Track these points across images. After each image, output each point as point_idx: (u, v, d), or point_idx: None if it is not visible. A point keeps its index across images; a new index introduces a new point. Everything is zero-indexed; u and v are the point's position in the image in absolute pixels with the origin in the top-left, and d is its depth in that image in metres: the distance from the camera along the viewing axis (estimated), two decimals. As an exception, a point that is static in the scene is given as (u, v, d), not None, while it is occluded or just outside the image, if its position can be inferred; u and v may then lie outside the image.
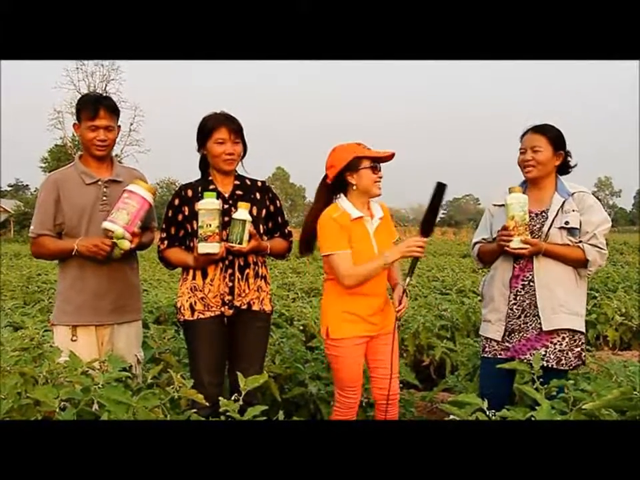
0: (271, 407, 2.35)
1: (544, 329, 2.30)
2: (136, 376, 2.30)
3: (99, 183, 2.41)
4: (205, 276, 2.34)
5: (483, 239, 2.52)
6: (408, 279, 2.31)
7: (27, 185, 59.94)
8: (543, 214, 2.36)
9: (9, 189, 58.74)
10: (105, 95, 2.63)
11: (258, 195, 2.45)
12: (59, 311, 2.43)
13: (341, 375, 2.31)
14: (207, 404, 1.70)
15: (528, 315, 2.35)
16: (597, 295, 5.76)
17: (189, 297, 2.36)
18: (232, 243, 2.22)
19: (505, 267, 2.40)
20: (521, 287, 2.36)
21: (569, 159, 2.41)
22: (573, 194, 2.35)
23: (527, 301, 2.35)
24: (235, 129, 2.36)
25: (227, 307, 2.35)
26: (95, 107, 2.34)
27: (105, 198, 2.40)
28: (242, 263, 2.36)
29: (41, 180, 2.51)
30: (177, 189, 2.49)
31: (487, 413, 1.53)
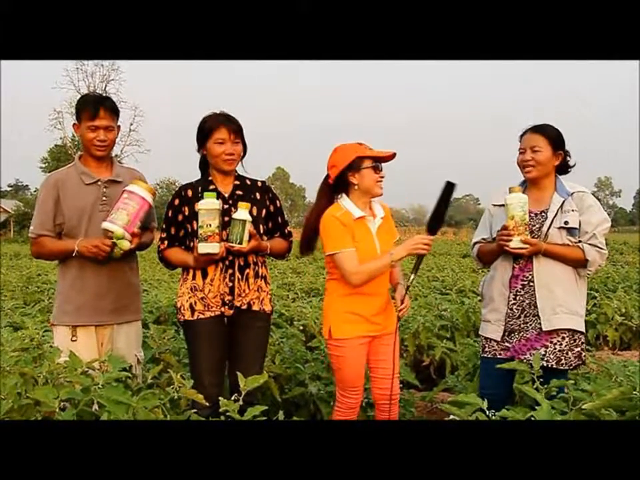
0: (271, 407, 2.35)
1: (544, 329, 2.30)
2: (136, 376, 2.30)
3: (99, 183, 2.41)
4: (205, 276, 2.34)
5: (483, 238, 2.52)
6: (412, 276, 2.31)
7: (27, 185, 60.00)
8: (543, 214, 2.36)
9: (9, 189, 58.78)
10: (104, 95, 2.63)
11: (258, 195, 2.45)
12: (59, 311, 2.43)
13: (342, 376, 2.31)
14: (207, 404, 1.70)
15: (528, 314, 2.35)
16: (596, 294, 5.76)
17: (189, 297, 2.36)
18: (232, 242, 2.22)
19: (504, 267, 2.40)
20: (521, 286, 2.36)
21: (568, 158, 2.41)
22: (572, 194, 2.35)
23: (527, 301, 2.35)
24: (235, 129, 2.36)
25: (227, 307, 2.35)
26: (95, 107, 2.34)
27: (104, 198, 2.40)
28: (242, 263, 2.36)
29: (41, 180, 2.51)
30: (176, 189, 2.49)
31: (487, 413, 1.53)
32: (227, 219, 2.31)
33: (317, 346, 3.57)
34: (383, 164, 2.33)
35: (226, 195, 2.39)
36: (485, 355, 2.46)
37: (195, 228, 2.27)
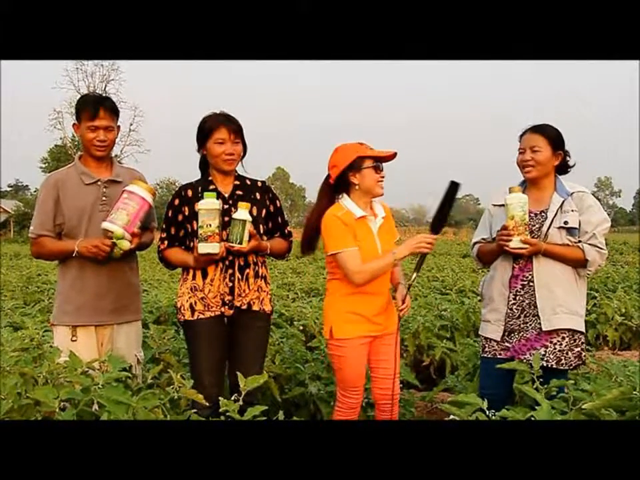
0: (271, 407, 2.36)
1: (544, 329, 2.30)
2: (136, 376, 2.30)
3: (99, 183, 2.41)
4: (205, 276, 2.34)
5: (483, 238, 2.52)
6: (414, 275, 2.33)
7: (27, 186, 60.02)
8: (542, 214, 2.36)
9: (9, 189, 58.80)
10: (104, 95, 2.63)
11: (258, 195, 2.45)
12: (59, 311, 2.43)
13: (343, 376, 2.31)
14: (207, 404, 1.70)
15: (527, 314, 2.35)
16: (596, 294, 5.77)
17: (189, 297, 2.36)
18: (232, 242, 2.22)
19: (504, 267, 2.40)
20: (521, 286, 2.36)
21: (568, 158, 2.41)
22: (572, 194, 2.35)
23: (527, 301, 2.35)
24: (235, 129, 2.36)
25: (227, 307, 2.35)
26: (95, 107, 2.34)
27: (104, 198, 2.40)
28: (242, 263, 2.36)
29: (41, 180, 2.51)
30: (176, 189, 2.49)
31: (487, 412, 1.53)
32: (227, 219, 2.31)
33: (317, 346, 3.57)
34: (383, 164, 2.33)
35: (226, 195, 2.39)
36: (485, 355, 2.46)
37: (195, 228, 2.27)
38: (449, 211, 2.25)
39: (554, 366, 2.28)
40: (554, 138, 2.35)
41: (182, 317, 2.38)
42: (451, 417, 1.71)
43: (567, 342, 2.31)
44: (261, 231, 2.39)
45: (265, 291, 2.43)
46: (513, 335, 2.37)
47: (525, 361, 2.20)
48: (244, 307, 2.36)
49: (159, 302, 5.11)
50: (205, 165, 2.46)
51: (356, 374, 2.30)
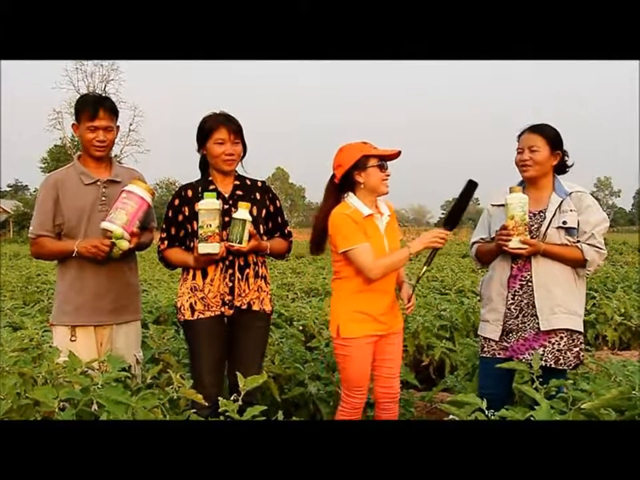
0: (271, 407, 2.35)
1: (542, 329, 2.30)
2: (135, 376, 2.30)
3: (98, 183, 2.41)
4: (205, 276, 2.34)
5: (482, 238, 2.52)
6: (425, 268, 2.39)
7: (27, 186, 60.03)
8: (541, 214, 2.36)
9: (9, 189, 58.80)
10: (104, 95, 2.63)
11: (258, 195, 2.45)
12: (58, 311, 2.43)
13: (349, 375, 2.31)
14: (207, 404, 1.70)
15: (526, 314, 2.35)
16: (596, 294, 5.77)
17: (189, 297, 2.36)
18: (232, 242, 2.22)
19: (503, 267, 2.41)
20: (519, 286, 2.36)
21: (566, 158, 2.41)
22: (570, 194, 2.35)
23: (525, 301, 2.35)
24: (235, 129, 2.36)
25: (227, 306, 2.35)
26: (94, 107, 2.34)
27: (103, 198, 2.40)
28: (242, 263, 2.36)
29: (40, 180, 2.51)
30: (176, 189, 2.49)
31: (486, 412, 1.53)
32: (227, 219, 2.31)
33: (316, 346, 3.57)
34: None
35: (226, 195, 2.39)
36: (484, 355, 2.46)
37: (195, 228, 2.27)
38: (465, 208, 2.31)
39: (552, 365, 2.28)
40: (552, 138, 2.35)
41: (182, 317, 2.38)
42: (451, 416, 1.71)
43: (565, 342, 2.31)
44: (261, 231, 2.39)
45: (265, 291, 2.43)
46: (511, 334, 2.37)
47: (523, 360, 2.20)
48: (244, 307, 2.36)
49: (159, 302, 5.11)
50: (204, 165, 2.46)
51: (361, 373, 2.31)
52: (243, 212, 2.24)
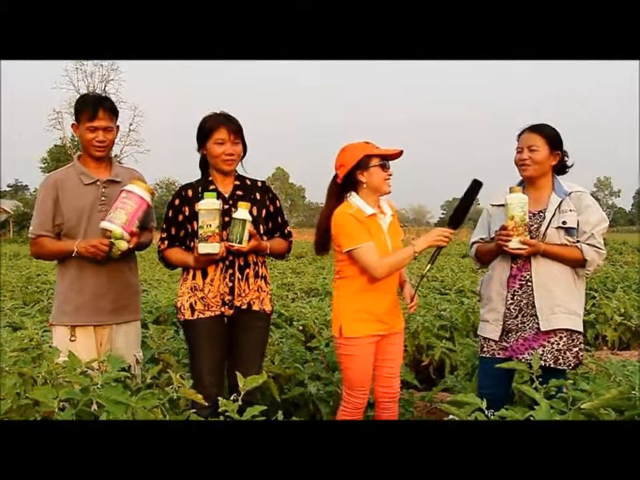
0: (270, 407, 2.35)
1: (542, 329, 2.30)
2: (135, 376, 2.30)
3: (98, 183, 2.41)
4: (205, 276, 2.34)
5: (481, 238, 2.53)
6: (429, 266, 2.42)
7: (27, 186, 60.03)
8: (540, 214, 2.36)
9: (9, 189, 58.79)
10: (104, 95, 2.63)
11: (258, 195, 2.45)
12: (58, 311, 2.43)
13: (351, 375, 2.32)
14: (206, 404, 1.70)
15: (525, 314, 2.35)
16: (595, 294, 5.77)
17: (189, 297, 2.36)
18: (232, 242, 2.22)
19: (502, 267, 2.41)
20: (519, 286, 2.36)
21: (566, 159, 2.41)
22: (570, 193, 2.35)
23: (525, 301, 2.35)
24: (235, 129, 2.36)
25: (227, 306, 2.35)
26: (94, 108, 2.34)
27: (103, 198, 2.40)
28: (242, 263, 2.36)
29: (40, 180, 2.51)
30: (176, 189, 2.49)
31: (486, 412, 1.53)
32: (227, 219, 2.31)
33: (316, 346, 3.57)
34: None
35: (226, 195, 2.39)
36: (484, 355, 2.46)
37: (195, 228, 2.27)
38: (469, 208, 2.32)
39: (551, 365, 2.28)
40: (552, 138, 2.35)
41: (182, 317, 2.38)
42: (450, 416, 1.71)
43: (564, 342, 2.31)
44: (261, 231, 2.39)
45: (265, 291, 2.43)
46: (511, 334, 2.37)
47: (523, 360, 2.20)
48: (244, 307, 2.36)
49: (159, 302, 5.11)
50: (205, 165, 2.46)
51: (363, 373, 2.31)
52: (242, 212, 2.25)
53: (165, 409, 1.58)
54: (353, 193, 2.32)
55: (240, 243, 2.22)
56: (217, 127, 2.33)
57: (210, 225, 2.20)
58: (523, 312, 2.35)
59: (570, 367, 2.34)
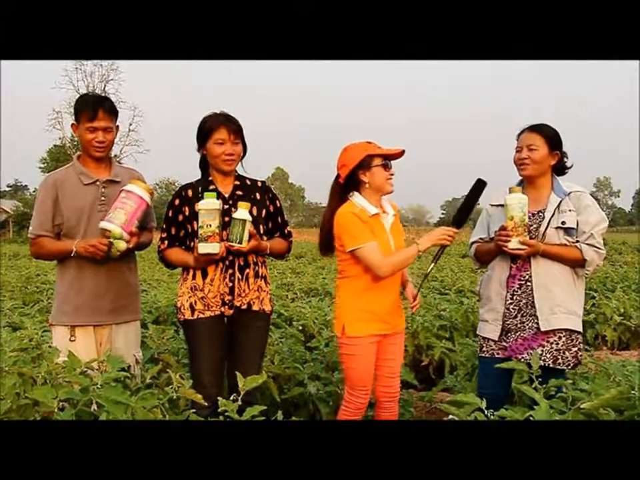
0: (270, 407, 2.35)
1: (542, 329, 2.30)
2: (134, 376, 2.30)
3: (97, 183, 2.41)
4: (205, 276, 2.34)
5: (481, 238, 2.53)
6: (432, 265, 2.44)
7: (26, 186, 60.02)
8: (540, 214, 2.36)
9: (8, 189, 58.77)
10: (103, 95, 2.63)
11: (258, 195, 2.45)
12: (58, 311, 2.43)
13: (353, 374, 2.32)
14: (206, 404, 1.70)
15: (525, 314, 2.35)
16: (595, 294, 5.77)
17: (189, 297, 2.36)
18: (232, 242, 2.22)
19: (501, 267, 2.41)
20: (518, 286, 2.37)
21: (566, 159, 2.42)
22: (569, 193, 2.35)
23: (524, 301, 2.35)
24: (235, 129, 2.36)
25: (226, 306, 2.35)
26: (94, 108, 2.34)
27: (103, 198, 2.40)
28: (242, 263, 2.36)
29: (40, 180, 2.51)
30: (176, 189, 2.49)
31: (486, 412, 1.53)
32: (227, 219, 2.31)
33: (316, 346, 3.57)
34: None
35: (226, 195, 2.39)
36: (483, 355, 2.46)
37: (195, 228, 2.27)
38: (473, 207, 2.34)
39: (550, 365, 2.28)
40: (551, 137, 2.35)
41: (182, 317, 2.38)
42: (450, 416, 1.71)
43: (563, 342, 2.31)
44: (261, 231, 2.39)
45: (264, 291, 2.43)
46: (510, 334, 2.37)
47: (522, 360, 2.21)
48: (244, 307, 2.36)
49: (158, 302, 5.10)
50: (205, 165, 2.46)
51: (365, 373, 2.31)
52: (242, 212, 2.25)
53: (164, 408, 1.58)
54: (356, 193, 2.32)
55: (240, 243, 2.22)
56: (217, 127, 2.33)
57: (210, 225, 2.20)
58: (522, 312, 2.36)
59: (569, 367, 2.34)
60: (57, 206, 2.37)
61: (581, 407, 1.52)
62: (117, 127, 2.47)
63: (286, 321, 4.60)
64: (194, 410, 1.67)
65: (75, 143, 29.88)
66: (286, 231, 2.53)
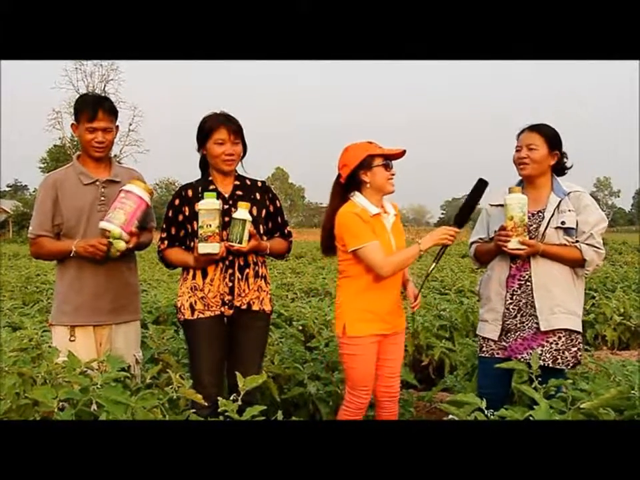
0: (270, 407, 2.35)
1: (542, 329, 2.30)
2: (134, 376, 2.30)
3: (97, 183, 2.41)
4: (205, 276, 2.34)
5: (480, 238, 2.53)
6: (434, 265, 2.45)
7: (26, 186, 60.04)
8: (539, 214, 2.36)
9: (8, 189, 58.78)
10: (103, 95, 2.63)
11: (258, 195, 2.45)
12: (58, 311, 2.43)
13: (354, 375, 2.32)
14: (206, 404, 1.70)
15: (524, 314, 2.35)
16: (595, 294, 5.77)
17: (189, 297, 2.36)
18: (232, 242, 2.22)
19: (501, 267, 2.41)
20: (518, 286, 2.37)
21: (565, 160, 2.42)
22: (569, 193, 2.35)
23: (524, 301, 2.35)
24: (235, 129, 2.36)
25: (226, 306, 2.35)
26: (94, 108, 2.34)
27: (102, 198, 2.40)
28: (242, 263, 2.36)
29: (40, 180, 2.51)
30: (176, 189, 2.49)
31: (486, 412, 1.53)
32: (227, 219, 2.31)
33: (316, 346, 3.57)
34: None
35: (226, 195, 2.39)
36: (483, 355, 2.46)
37: (195, 228, 2.27)
38: (474, 207, 2.34)
39: (550, 365, 2.28)
40: (551, 137, 2.35)
41: (182, 317, 2.38)
42: (450, 416, 1.71)
43: (563, 341, 2.31)
44: (261, 231, 2.39)
45: (264, 291, 2.43)
46: (510, 334, 2.37)
47: (522, 360, 2.21)
48: (244, 307, 2.36)
49: (158, 302, 5.10)
50: (205, 165, 2.46)
51: (366, 372, 2.31)
52: (242, 212, 2.25)
53: (164, 409, 1.58)
54: (357, 193, 2.32)
55: (240, 243, 2.22)
56: (217, 127, 2.33)
57: (210, 225, 2.20)
58: (522, 312, 2.36)
59: (569, 367, 2.34)
60: (57, 206, 2.37)
61: (581, 406, 1.52)
62: (117, 127, 2.47)
63: (286, 321, 4.60)
64: (194, 410, 1.67)
65: (75, 142, 29.87)
66: (286, 231, 2.53)
